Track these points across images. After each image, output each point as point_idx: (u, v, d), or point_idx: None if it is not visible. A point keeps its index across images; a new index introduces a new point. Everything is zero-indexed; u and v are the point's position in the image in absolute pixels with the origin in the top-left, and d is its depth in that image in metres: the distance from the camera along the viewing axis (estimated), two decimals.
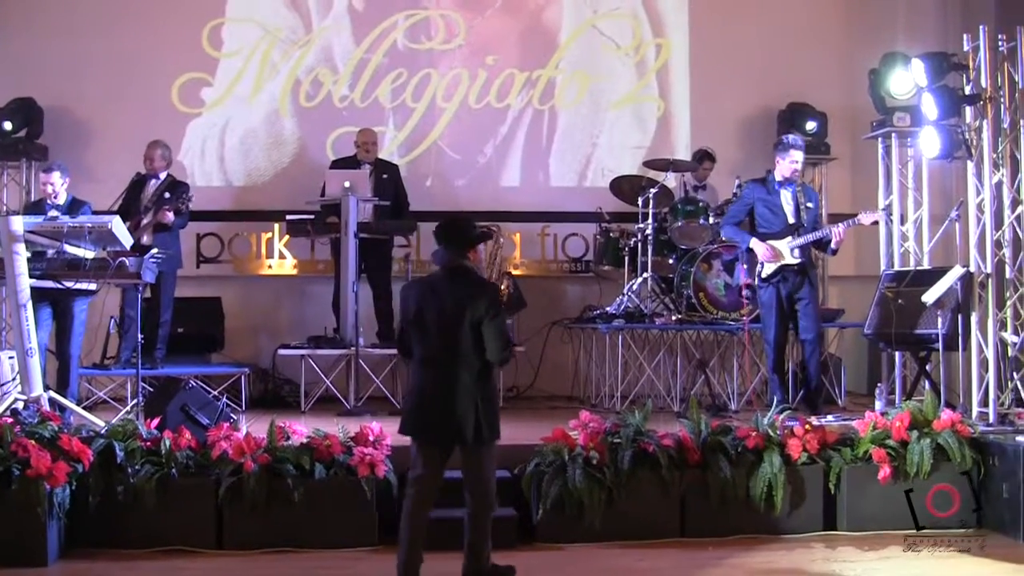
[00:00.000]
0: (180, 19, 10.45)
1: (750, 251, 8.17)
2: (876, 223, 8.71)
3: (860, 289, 9.85)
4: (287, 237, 10.26)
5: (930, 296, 7.67)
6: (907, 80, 8.65)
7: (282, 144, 10.65)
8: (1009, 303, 7.67)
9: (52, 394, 7.29)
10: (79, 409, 7.51)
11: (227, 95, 10.57)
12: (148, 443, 6.50)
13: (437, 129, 10.71)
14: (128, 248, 7.45)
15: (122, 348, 9.06)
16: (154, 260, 7.59)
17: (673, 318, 9.19)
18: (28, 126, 9.89)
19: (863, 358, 10.22)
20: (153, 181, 9.11)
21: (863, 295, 9.15)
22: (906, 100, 8.98)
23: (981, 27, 7.65)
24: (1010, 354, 7.63)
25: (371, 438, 6.63)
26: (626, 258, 9.54)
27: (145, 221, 8.79)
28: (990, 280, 7.56)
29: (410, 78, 10.69)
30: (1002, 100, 7.62)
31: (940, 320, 7.70)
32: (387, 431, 6.75)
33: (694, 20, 10.89)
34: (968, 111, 7.76)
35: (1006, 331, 7.66)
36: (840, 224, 8.07)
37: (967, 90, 7.73)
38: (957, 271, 7.68)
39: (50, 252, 7.42)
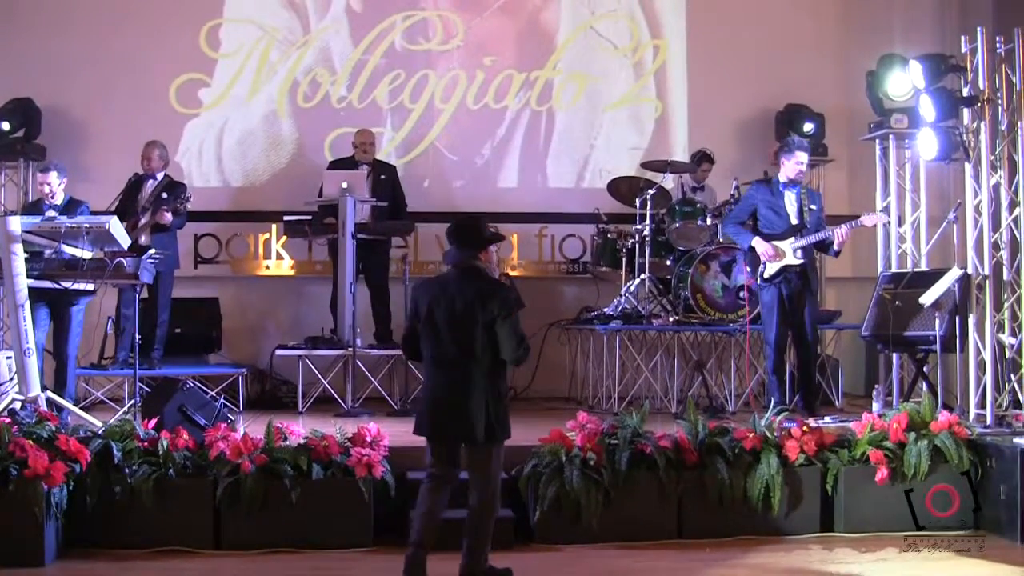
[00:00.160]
0: (178, 19, 10.45)
1: (752, 251, 8.17)
2: (877, 225, 8.72)
3: (858, 291, 9.86)
4: (285, 238, 10.27)
5: (928, 298, 7.68)
6: (905, 82, 8.66)
7: (280, 145, 10.65)
8: (1007, 305, 7.67)
9: (49, 394, 7.29)
10: (76, 409, 7.50)
11: (225, 96, 10.57)
12: (145, 443, 6.50)
13: (435, 130, 10.71)
14: (126, 248, 7.45)
15: (119, 348, 9.05)
16: (152, 260, 7.59)
17: (670, 319, 9.19)
18: (26, 126, 9.89)
19: (860, 360, 10.23)
20: (150, 181, 9.11)
21: (860, 296, 9.16)
22: (904, 102, 8.99)
23: (979, 29, 7.66)
24: (1007, 356, 7.63)
25: (368, 439, 6.63)
26: (624, 259, 9.54)
27: (143, 221, 8.79)
28: (988, 282, 7.57)
29: (408, 79, 10.69)
30: (1000, 102, 7.62)
31: (938, 322, 7.70)
32: (384, 432, 6.76)
33: (692, 21, 10.90)
34: (966, 113, 7.77)
35: (1003, 333, 7.66)
36: (843, 226, 8.07)
37: (965, 92, 7.74)
38: (955, 273, 7.69)
39: (48, 252, 7.42)
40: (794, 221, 8.12)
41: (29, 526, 6.00)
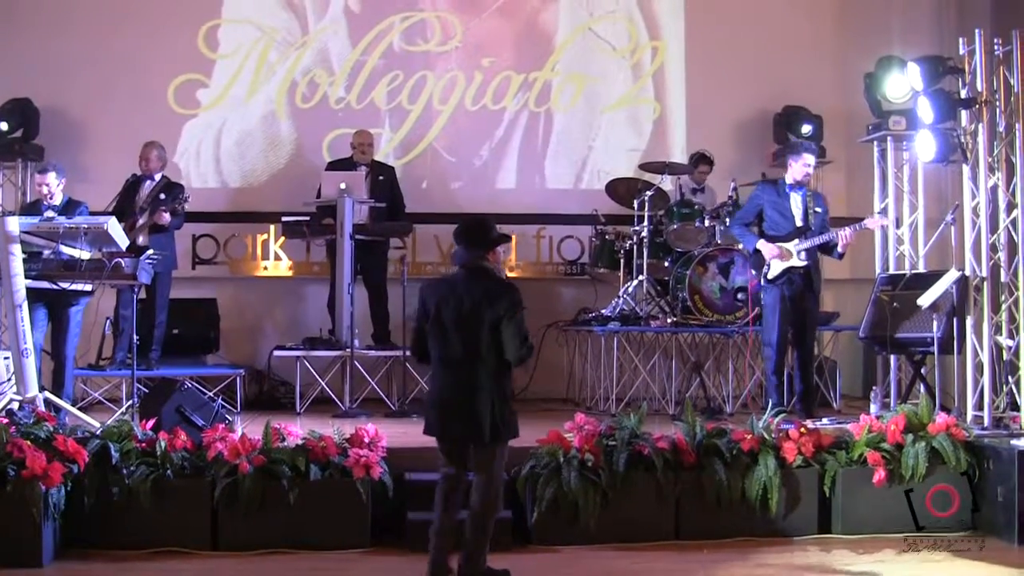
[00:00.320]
0: (176, 20, 10.44)
1: (756, 253, 8.18)
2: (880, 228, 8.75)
3: (856, 292, 9.86)
4: (283, 238, 10.27)
5: (925, 299, 7.69)
6: (903, 84, 8.67)
7: (278, 145, 10.65)
8: (1004, 307, 7.68)
9: (47, 395, 7.28)
10: (74, 410, 7.49)
11: (223, 96, 10.57)
12: (143, 444, 6.49)
13: (433, 131, 10.72)
14: (124, 249, 7.44)
15: (117, 349, 9.05)
16: (150, 261, 7.59)
17: (668, 321, 9.19)
18: (24, 127, 9.89)
19: (858, 361, 10.24)
20: (148, 182, 9.11)
21: (858, 298, 9.17)
22: (902, 104, 9.00)
23: (977, 31, 7.68)
24: (1005, 358, 7.64)
25: (366, 440, 6.63)
26: (621, 260, 9.55)
27: (141, 222, 8.79)
28: (985, 284, 7.59)
29: (406, 80, 10.69)
30: (997, 104, 7.64)
31: (935, 323, 7.71)
32: (382, 433, 6.77)
33: (690, 23, 10.91)
34: (964, 115, 7.79)
35: (1001, 335, 7.67)
36: (847, 228, 8.08)
37: (963, 94, 7.76)
38: (952, 275, 7.70)
39: (46, 253, 7.41)
40: (799, 223, 8.13)
41: (27, 526, 5.99)
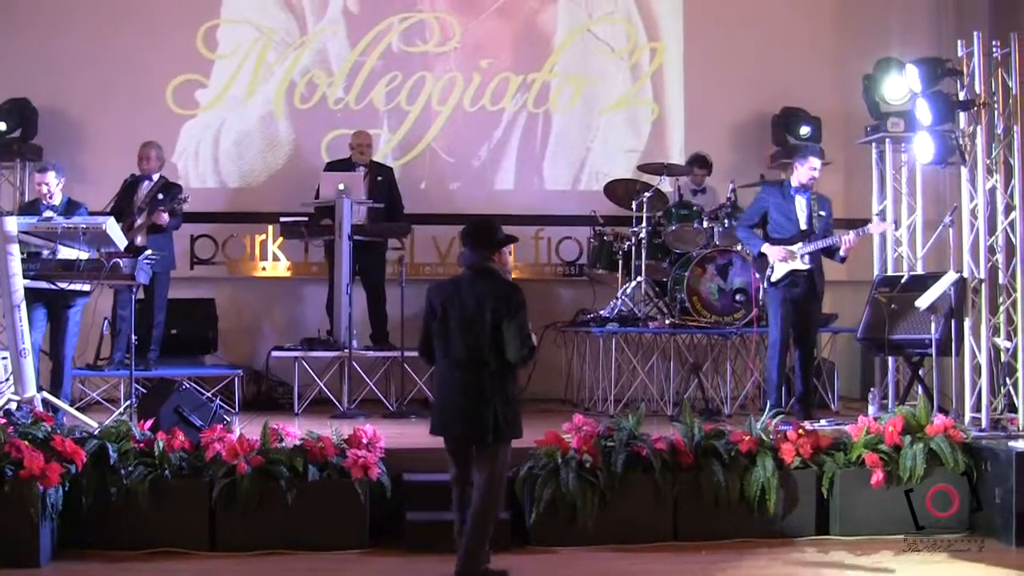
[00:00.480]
0: (175, 20, 10.44)
1: (761, 256, 8.20)
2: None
3: (854, 294, 9.87)
4: (281, 239, 10.26)
5: (923, 301, 7.70)
6: (901, 85, 8.69)
7: (276, 146, 10.65)
8: (1002, 309, 7.69)
9: (45, 395, 7.27)
10: (72, 410, 7.48)
11: (222, 97, 10.57)
12: (141, 444, 6.48)
13: (432, 132, 10.72)
14: (122, 249, 7.44)
15: (115, 349, 9.05)
16: (148, 261, 7.58)
17: (667, 322, 9.20)
18: (23, 126, 9.88)
19: (856, 363, 10.24)
20: (146, 182, 9.11)
21: (856, 300, 9.18)
22: (900, 105, 9.01)
23: (975, 33, 7.69)
24: (1003, 359, 7.65)
25: (364, 440, 6.63)
26: (620, 262, 9.56)
27: (139, 222, 8.78)
28: (983, 286, 7.59)
29: (405, 81, 10.70)
30: (996, 106, 7.65)
31: (933, 325, 7.72)
32: (380, 433, 6.77)
33: (688, 24, 10.91)
34: (962, 117, 7.80)
35: (999, 336, 7.68)
36: (850, 233, 8.09)
37: (961, 96, 7.77)
38: (950, 276, 7.70)
39: (45, 253, 7.41)
40: (803, 226, 8.14)
41: (24, 527, 5.99)
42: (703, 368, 9.39)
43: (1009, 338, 7.67)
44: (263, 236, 10.43)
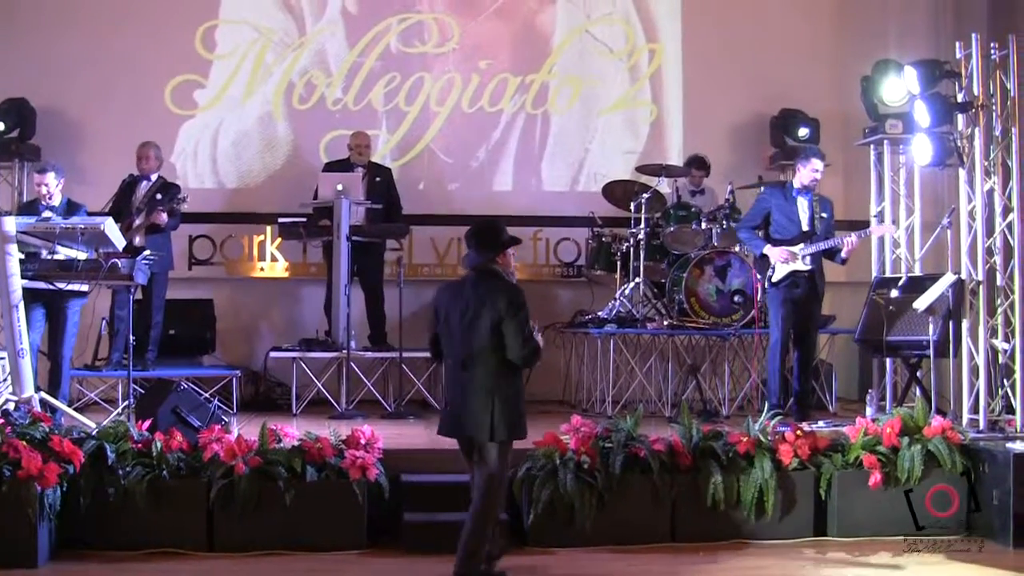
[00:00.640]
0: (173, 21, 10.44)
1: (763, 257, 8.21)
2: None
3: (852, 295, 9.87)
4: (279, 239, 10.25)
5: (922, 303, 7.70)
6: (899, 87, 8.69)
7: (275, 146, 10.64)
8: (1000, 310, 7.69)
9: (43, 395, 7.27)
10: (70, 410, 7.48)
11: (220, 97, 10.57)
12: (139, 445, 6.48)
13: (430, 133, 10.72)
14: (120, 249, 7.44)
15: (113, 349, 9.04)
16: (146, 262, 7.58)
17: (665, 323, 9.20)
18: (21, 126, 9.88)
19: (854, 364, 10.25)
20: (145, 183, 9.11)
21: (855, 301, 9.18)
22: (898, 107, 9.01)
23: (973, 35, 7.69)
24: (1000, 361, 7.65)
25: (362, 441, 6.63)
26: (618, 263, 9.57)
27: (137, 222, 8.78)
28: (981, 287, 7.60)
29: (403, 81, 10.70)
30: (994, 108, 7.65)
31: (931, 327, 7.72)
32: (378, 434, 6.77)
33: (687, 25, 10.92)
34: (960, 119, 7.79)
35: (997, 338, 7.68)
36: (852, 235, 8.11)
37: (959, 98, 7.77)
38: (948, 278, 7.71)
39: (43, 253, 7.40)
40: (805, 228, 8.16)
41: (22, 527, 5.99)
42: (701, 369, 9.39)
43: (1007, 340, 7.67)
44: (261, 237, 10.43)
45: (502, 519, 6.30)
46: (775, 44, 10.74)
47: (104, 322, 9.15)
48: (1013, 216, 7.62)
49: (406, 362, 9.13)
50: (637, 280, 9.41)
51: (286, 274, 10.50)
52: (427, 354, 9.37)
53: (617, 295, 9.45)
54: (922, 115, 7.81)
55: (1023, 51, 7.66)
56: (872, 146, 9.35)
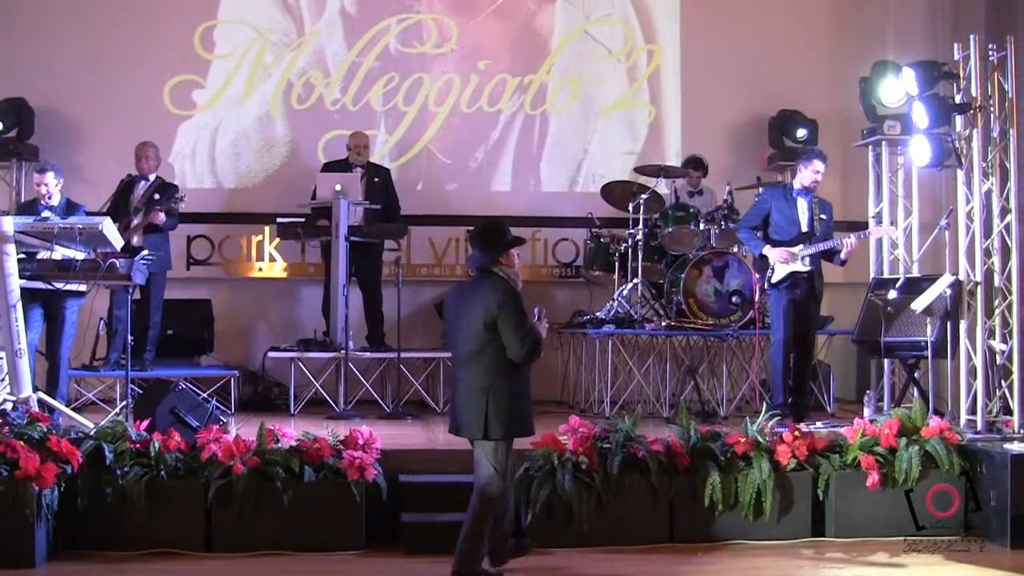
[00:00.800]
0: (172, 21, 10.44)
1: (763, 258, 8.22)
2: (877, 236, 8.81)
3: (850, 296, 9.86)
4: (277, 240, 10.25)
5: (919, 304, 7.71)
6: (898, 88, 8.69)
7: (273, 146, 10.64)
8: (997, 311, 7.70)
9: (41, 395, 7.27)
10: (68, 410, 7.48)
11: (219, 97, 10.56)
12: (137, 445, 6.48)
13: (429, 133, 10.72)
14: (118, 250, 7.44)
15: (111, 350, 9.05)
16: (144, 262, 7.58)
17: (663, 324, 9.20)
18: (19, 126, 9.88)
19: (852, 365, 10.25)
20: (143, 183, 9.12)
21: (852, 302, 9.18)
22: (897, 108, 9.01)
23: (971, 36, 7.69)
24: (998, 362, 7.66)
25: (360, 442, 6.63)
26: (616, 263, 9.57)
27: (135, 222, 8.79)
28: (979, 288, 7.60)
29: (402, 82, 10.70)
30: (992, 109, 7.66)
31: (929, 328, 7.73)
32: (376, 435, 6.77)
33: (685, 26, 10.92)
34: (958, 120, 7.80)
35: (994, 339, 7.69)
36: (851, 236, 8.11)
37: (957, 99, 7.78)
38: (947, 279, 7.71)
39: (41, 253, 7.40)
40: (804, 229, 8.17)
41: (20, 527, 5.99)
42: (699, 370, 9.39)
43: (1004, 340, 7.68)
44: (259, 237, 10.43)
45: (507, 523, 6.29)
46: (774, 45, 10.75)
47: (102, 322, 9.14)
48: (1011, 217, 7.63)
49: (404, 362, 9.14)
50: (635, 281, 9.41)
51: (284, 274, 10.50)
52: (425, 354, 9.55)
53: (615, 296, 9.45)
54: (920, 116, 7.81)
55: (1021, 52, 7.68)
56: (870, 147, 9.35)
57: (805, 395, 8.43)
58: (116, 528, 6.29)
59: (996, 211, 7.68)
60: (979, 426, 7.40)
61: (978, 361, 7.52)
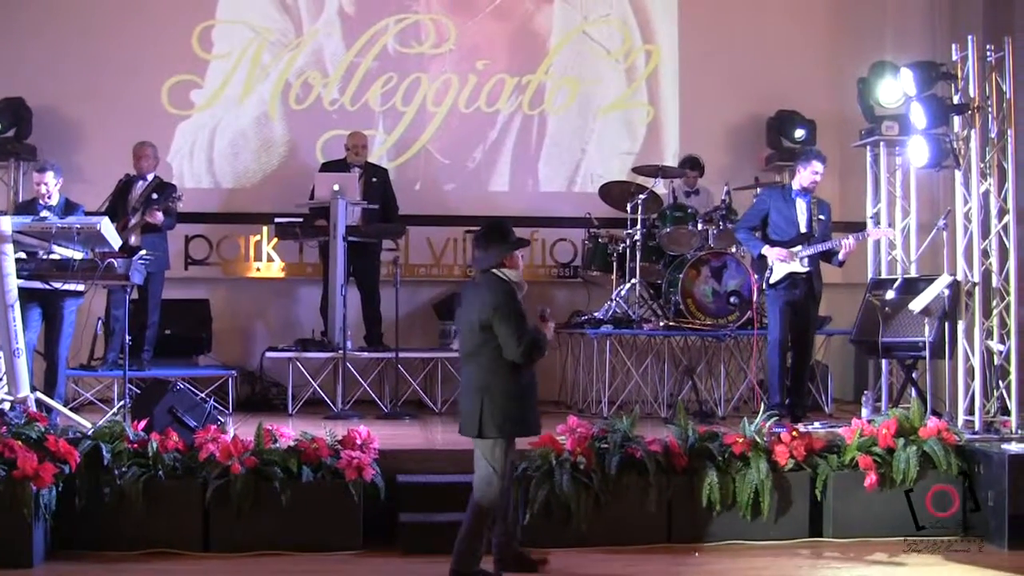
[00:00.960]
0: (170, 20, 10.42)
1: (761, 258, 8.22)
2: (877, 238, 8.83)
3: (847, 296, 9.87)
4: (275, 240, 10.23)
5: (917, 304, 7.72)
6: (896, 89, 8.69)
7: (271, 146, 10.63)
8: (995, 312, 7.71)
9: (39, 395, 7.27)
10: (66, 410, 7.48)
11: (217, 97, 10.55)
12: (135, 445, 6.49)
13: (427, 133, 10.71)
14: (116, 249, 7.44)
15: (109, 349, 9.04)
16: (142, 262, 7.58)
17: (661, 324, 9.20)
18: (17, 126, 9.86)
19: (850, 365, 10.25)
20: (141, 183, 9.11)
21: (850, 302, 9.19)
22: (895, 109, 9.02)
23: (969, 37, 7.70)
24: (996, 362, 7.67)
25: (358, 442, 6.63)
26: (614, 264, 9.56)
27: (133, 222, 8.79)
28: (977, 289, 7.61)
29: (400, 82, 10.69)
30: (989, 110, 7.66)
31: (927, 328, 7.73)
32: (374, 435, 6.77)
33: (683, 27, 10.92)
34: (956, 120, 7.81)
35: (992, 339, 7.69)
36: (850, 237, 8.13)
37: (955, 100, 7.78)
38: (944, 279, 7.72)
39: (40, 253, 7.40)
40: (803, 229, 8.18)
41: (17, 527, 5.99)
42: (697, 370, 9.39)
43: (1002, 341, 7.68)
44: (257, 237, 10.42)
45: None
46: (771, 45, 10.75)
47: (100, 322, 9.13)
48: (1009, 218, 7.64)
49: (402, 362, 9.14)
50: (633, 281, 9.41)
51: (282, 274, 10.49)
52: (423, 354, 9.55)
53: (613, 296, 9.45)
54: (918, 117, 7.82)
55: (1019, 53, 7.69)
56: (868, 147, 9.35)
57: (803, 395, 8.44)
58: (114, 528, 6.29)
59: (994, 212, 7.68)
60: (977, 426, 7.40)
61: (976, 361, 7.53)
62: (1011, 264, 7.62)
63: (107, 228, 7.22)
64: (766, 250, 8.19)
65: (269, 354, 9.45)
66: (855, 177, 9.95)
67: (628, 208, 9.51)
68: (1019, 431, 7.33)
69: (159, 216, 8.80)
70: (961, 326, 7.64)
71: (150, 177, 9.16)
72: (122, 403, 7.69)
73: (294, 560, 6.24)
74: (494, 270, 5.68)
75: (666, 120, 10.93)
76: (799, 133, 10.43)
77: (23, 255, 7.30)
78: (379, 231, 9.66)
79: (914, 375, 8.23)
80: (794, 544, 6.69)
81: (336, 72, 10.66)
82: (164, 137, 10.18)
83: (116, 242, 7.40)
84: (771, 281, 8.19)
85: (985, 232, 7.68)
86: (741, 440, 6.77)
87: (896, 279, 8.47)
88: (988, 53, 7.66)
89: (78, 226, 7.17)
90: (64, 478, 6.20)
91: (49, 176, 8.03)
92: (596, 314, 9.44)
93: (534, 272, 10.64)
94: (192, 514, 6.35)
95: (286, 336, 10.00)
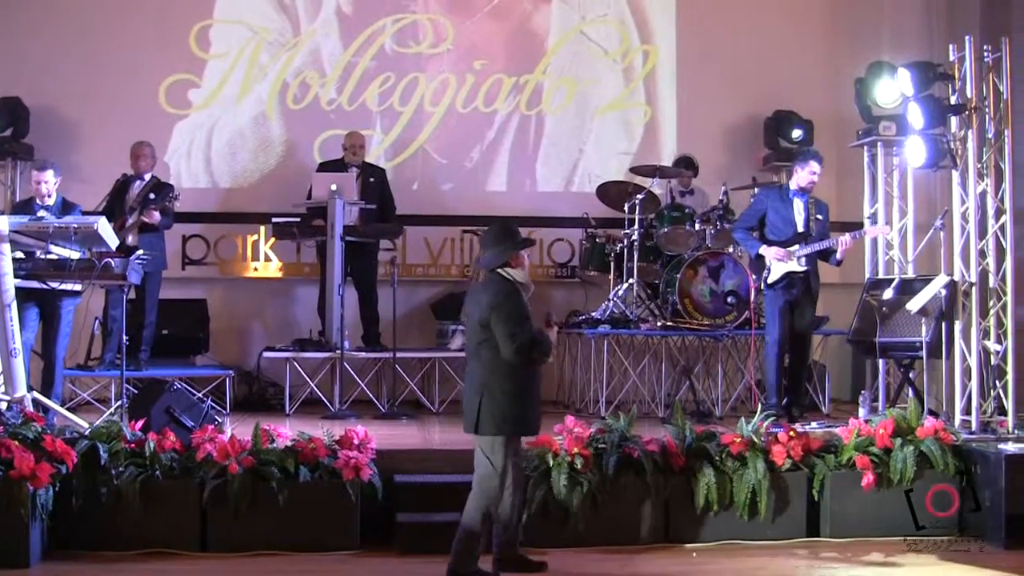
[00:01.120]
0: (168, 20, 10.42)
1: (759, 258, 8.23)
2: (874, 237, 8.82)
3: (845, 296, 9.87)
4: (273, 239, 10.23)
5: (914, 304, 7.72)
6: (893, 89, 8.69)
7: (269, 146, 10.63)
8: (992, 312, 7.71)
9: (36, 395, 7.26)
10: (63, 410, 7.48)
11: (214, 97, 10.55)
12: (132, 445, 6.48)
13: (424, 133, 10.71)
14: (113, 249, 7.43)
15: (106, 349, 9.03)
16: (140, 261, 7.58)
17: (658, 324, 9.20)
18: (14, 125, 9.84)
19: (847, 365, 10.25)
20: (138, 182, 9.11)
21: (848, 302, 9.19)
22: (892, 109, 9.02)
23: (967, 38, 7.70)
24: (993, 362, 7.67)
25: (356, 441, 6.63)
26: (612, 264, 9.56)
27: (130, 221, 8.78)
28: (974, 289, 7.61)
29: (398, 82, 10.69)
30: (987, 110, 7.67)
31: (924, 328, 7.74)
32: (372, 435, 6.77)
33: (681, 27, 10.92)
34: (953, 121, 7.82)
35: (989, 340, 7.70)
36: (847, 235, 8.13)
37: (952, 100, 7.79)
38: (942, 279, 7.73)
39: (38, 252, 7.40)
40: (800, 229, 8.19)
41: (14, 527, 5.98)
42: (694, 370, 9.39)
43: (999, 341, 7.69)
44: (255, 236, 10.42)
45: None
46: (769, 46, 10.75)
47: (97, 322, 9.13)
48: (1005, 218, 7.65)
49: (400, 362, 9.13)
50: (631, 281, 9.41)
51: (279, 274, 10.49)
52: (420, 354, 9.55)
53: (611, 296, 9.45)
54: (915, 117, 7.82)
55: (1016, 54, 7.69)
56: (865, 148, 9.35)
57: (800, 395, 8.45)
58: (111, 528, 6.28)
59: (991, 212, 7.69)
60: (974, 426, 7.41)
61: (973, 362, 7.54)
62: (1008, 264, 7.62)
63: (104, 228, 7.21)
64: (764, 250, 8.19)
65: (266, 354, 9.45)
66: (852, 177, 9.95)
67: (626, 208, 9.51)
68: (1016, 431, 7.34)
69: (156, 216, 8.79)
70: (958, 326, 7.65)
71: (147, 177, 9.16)
72: (119, 403, 7.68)
73: (291, 560, 6.24)
74: (499, 270, 5.69)
75: (664, 120, 10.93)
76: (796, 133, 10.43)
77: (20, 255, 7.30)
78: (377, 231, 9.66)
79: (911, 375, 8.23)
80: (791, 544, 6.70)
81: (334, 72, 10.66)
82: (162, 137, 10.18)
83: (113, 242, 7.40)
84: (769, 281, 8.20)
85: (982, 232, 7.68)
86: (738, 440, 6.77)
87: (893, 279, 8.48)
88: (985, 53, 7.67)
89: (75, 226, 7.16)
90: (61, 478, 6.19)
91: (49, 174, 8.03)
92: (594, 314, 9.44)
93: (532, 272, 10.41)
94: (189, 514, 6.35)
95: (283, 336, 9.99)
